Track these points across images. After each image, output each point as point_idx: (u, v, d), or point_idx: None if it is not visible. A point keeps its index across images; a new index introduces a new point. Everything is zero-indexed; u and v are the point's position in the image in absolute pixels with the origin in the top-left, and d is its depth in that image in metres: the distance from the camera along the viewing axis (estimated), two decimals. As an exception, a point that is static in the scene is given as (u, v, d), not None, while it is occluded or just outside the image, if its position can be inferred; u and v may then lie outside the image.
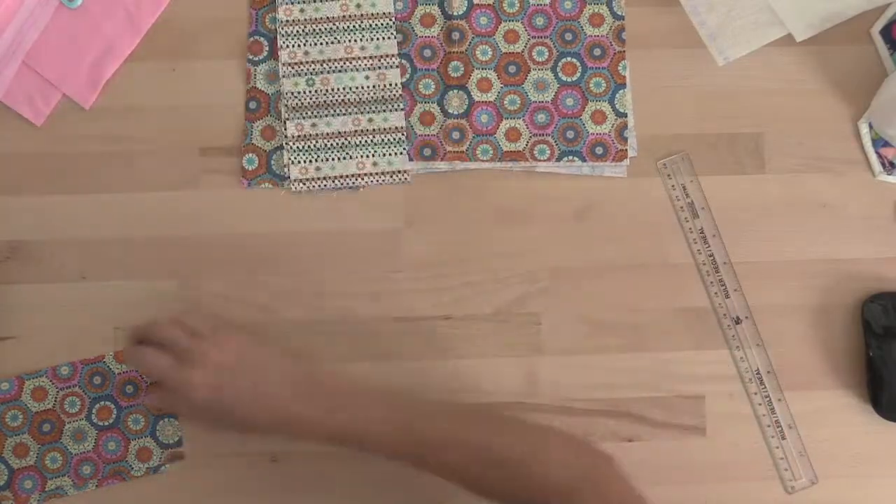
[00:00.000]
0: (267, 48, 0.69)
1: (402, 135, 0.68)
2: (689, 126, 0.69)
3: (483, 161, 0.68)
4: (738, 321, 0.67)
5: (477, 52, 0.69)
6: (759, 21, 0.70)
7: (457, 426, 0.56)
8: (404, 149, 0.68)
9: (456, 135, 0.68)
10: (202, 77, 0.69)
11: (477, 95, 0.68)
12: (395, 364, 0.66)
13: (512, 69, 0.69)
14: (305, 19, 0.68)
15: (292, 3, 0.68)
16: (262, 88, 0.68)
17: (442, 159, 0.68)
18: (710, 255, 0.67)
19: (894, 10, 0.69)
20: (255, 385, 0.56)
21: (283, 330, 0.66)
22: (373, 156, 0.67)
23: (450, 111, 0.68)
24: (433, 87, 0.69)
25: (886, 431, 0.66)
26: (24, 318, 0.66)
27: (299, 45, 0.68)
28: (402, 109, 0.68)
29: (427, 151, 0.68)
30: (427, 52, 0.69)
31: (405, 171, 0.67)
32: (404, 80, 0.68)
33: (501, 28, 0.69)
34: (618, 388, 0.66)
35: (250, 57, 0.69)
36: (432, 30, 0.69)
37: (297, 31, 0.68)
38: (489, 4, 0.69)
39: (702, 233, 0.68)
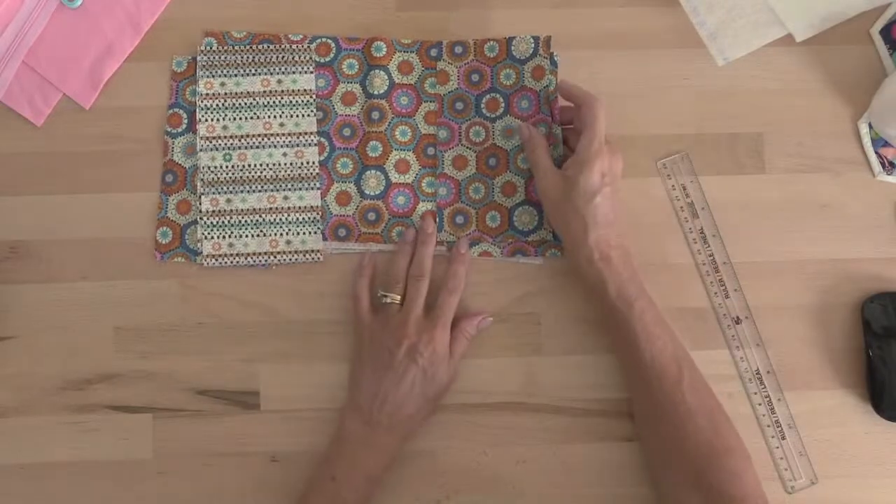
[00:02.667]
0: (186, 121, 0.68)
1: (318, 214, 0.67)
2: (689, 126, 0.69)
3: (398, 243, 0.66)
4: (738, 321, 0.67)
5: (396, 133, 0.68)
6: (759, 21, 0.70)
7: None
8: (319, 228, 0.66)
9: (372, 216, 0.67)
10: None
11: (394, 177, 0.67)
12: (395, 364, 0.66)
13: (430, 151, 0.68)
14: (226, 93, 0.67)
15: (213, 77, 0.67)
16: (180, 161, 0.67)
17: (356, 240, 0.67)
18: (710, 255, 0.67)
19: (894, 10, 0.69)
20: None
21: (284, 330, 0.66)
22: (286, 234, 0.66)
23: (366, 192, 0.67)
24: (351, 166, 0.67)
25: (886, 431, 0.66)
26: (24, 318, 0.66)
27: (218, 119, 0.67)
28: (318, 188, 0.67)
29: (342, 232, 0.67)
30: (346, 131, 0.68)
31: (318, 251, 0.66)
32: (322, 158, 0.67)
33: (422, 109, 0.68)
34: (618, 388, 0.66)
35: (168, 129, 0.68)
36: (353, 108, 0.68)
37: (217, 105, 0.67)
38: (411, 84, 0.68)
39: (702, 233, 0.68)
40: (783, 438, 0.65)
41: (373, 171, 0.67)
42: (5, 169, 0.68)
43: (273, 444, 0.65)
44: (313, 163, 0.67)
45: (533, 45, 0.68)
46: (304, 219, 0.67)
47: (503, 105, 0.68)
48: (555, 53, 0.68)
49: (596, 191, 0.60)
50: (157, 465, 0.65)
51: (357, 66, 0.68)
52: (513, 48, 0.68)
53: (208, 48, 0.68)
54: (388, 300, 0.63)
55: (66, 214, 0.67)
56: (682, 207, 0.68)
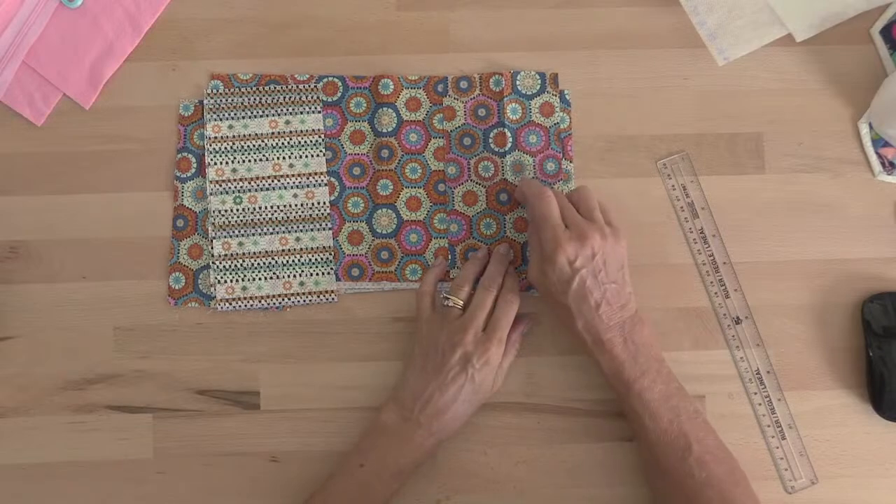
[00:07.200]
0: (195, 165, 0.67)
1: (330, 255, 0.66)
2: (689, 126, 0.69)
3: (412, 281, 0.66)
4: (738, 321, 0.67)
5: (406, 170, 0.68)
6: (759, 21, 0.70)
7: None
8: (332, 269, 0.66)
9: (385, 254, 0.67)
10: (202, 77, 0.69)
11: (406, 214, 0.67)
12: (395, 364, 0.66)
13: (441, 187, 0.68)
14: (233, 136, 0.67)
15: (221, 120, 0.67)
16: (190, 206, 0.67)
17: (370, 279, 0.66)
18: (710, 255, 0.67)
19: (894, 10, 0.69)
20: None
21: (284, 330, 0.66)
22: (300, 276, 0.66)
23: (378, 230, 0.67)
24: (362, 205, 0.67)
25: (886, 431, 0.66)
26: (24, 318, 0.66)
27: (227, 163, 0.67)
28: (330, 228, 0.67)
29: (355, 271, 0.67)
30: (356, 170, 0.68)
31: (332, 292, 0.66)
32: (333, 198, 0.67)
33: (431, 145, 0.68)
34: (618, 388, 0.66)
35: (178, 174, 0.67)
36: (362, 147, 0.68)
37: (225, 148, 0.67)
38: (419, 121, 0.68)
39: (702, 233, 0.68)
40: (783, 438, 0.65)
41: (384, 210, 0.67)
42: (5, 169, 0.68)
43: (273, 444, 0.65)
44: (324, 203, 0.67)
45: (539, 81, 0.68)
46: (316, 259, 0.66)
47: (511, 140, 0.67)
48: (565, 91, 0.68)
49: (568, 280, 0.59)
50: (157, 465, 0.65)
51: (365, 105, 0.68)
52: (518, 83, 0.68)
53: (214, 91, 0.68)
54: (450, 303, 0.63)
55: (66, 214, 0.67)
56: (682, 207, 0.68)
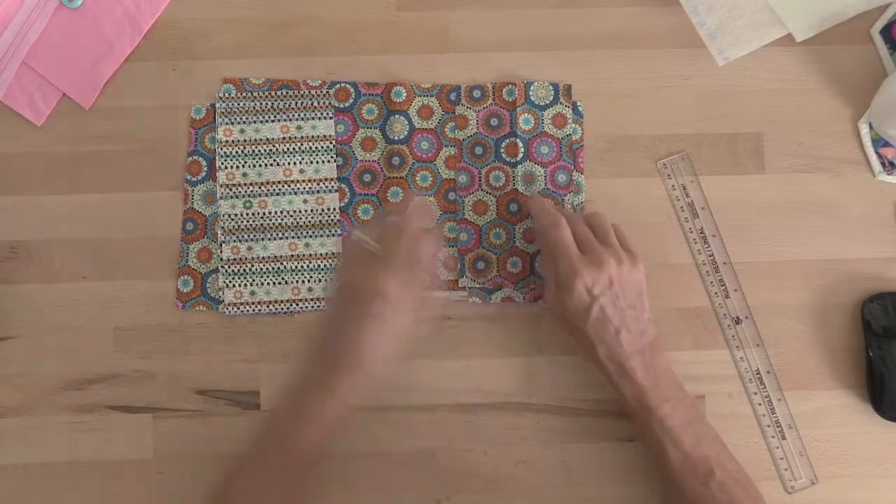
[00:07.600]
0: (205, 168, 0.67)
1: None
2: (689, 126, 0.69)
3: None
4: (738, 321, 0.67)
5: (417, 178, 0.67)
6: (759, 21, 0.70)
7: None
8: None
9: None
10: (202, 77, 0.69)
11: None
12: (395, 364, 0.66)
13: (451, 196, 0.68)
14: (245, 140, 0.67)
15: (232, 124, 0.67)
16: (200, 209, 0.67)
17: None
18: (710, 255, 0.67)
19: (894, 10, 0.69)
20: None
21: (284, 330, 0.66)
22: (308, 281, 0.66)
23: None
24: (372, 212, 0.67)
25: (886, 431, 0.66)
26: (24, 318, 0.66)
27: (237, 167, 0.67)
28: (339, 235, 0.67)
29: None
30: (367, 177, 0.68)
31: None
32: (343, 204, 0.67)
33: (443, 153, 0.68)
34: (618, 388, 0.66)
35: (188, 177, 0.67)
36: (373, 154, 0.68)
37: (236, 152, 0.67)
38: (431, 129, 0.68)
39: (702, 233, 0.68)
40: (783, 438, 0.65)
41: None
42: (5, 169, 0.68)
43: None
44: (334, 209, 0.67)
45: (552, 91, 0.68)
46: (325, 266, 0.66)
47: (522, 150, 0.67)
48: (578, 103, 0.68)
49: (587, 307, 0.59)
50: (157, 465, 0.65)
51: (377, 112, 0.68)
52: (531, 93, 0.68)
53: (227, 95, 0.68)
54: (362, 242, 0.57)
55: (66, 214, 0.67)
56: (682, 207, 0.68)
